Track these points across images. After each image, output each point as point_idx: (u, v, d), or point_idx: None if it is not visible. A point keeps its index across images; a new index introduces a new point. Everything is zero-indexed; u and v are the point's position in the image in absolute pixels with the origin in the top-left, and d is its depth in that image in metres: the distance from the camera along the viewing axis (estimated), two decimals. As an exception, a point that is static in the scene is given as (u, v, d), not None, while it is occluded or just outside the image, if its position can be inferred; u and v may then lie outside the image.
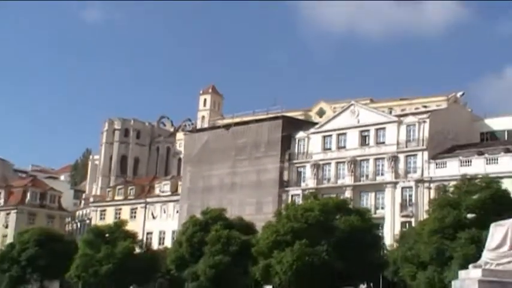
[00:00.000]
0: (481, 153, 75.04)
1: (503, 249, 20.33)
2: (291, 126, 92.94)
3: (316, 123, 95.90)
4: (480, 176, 58.81)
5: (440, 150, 79.34)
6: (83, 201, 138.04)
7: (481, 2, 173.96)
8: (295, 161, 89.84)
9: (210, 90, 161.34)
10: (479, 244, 22.03)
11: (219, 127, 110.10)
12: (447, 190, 59.87)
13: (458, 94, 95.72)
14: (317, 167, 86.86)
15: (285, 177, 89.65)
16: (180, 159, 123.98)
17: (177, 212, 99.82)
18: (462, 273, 21.77)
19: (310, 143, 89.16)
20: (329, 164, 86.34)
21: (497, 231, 20.90)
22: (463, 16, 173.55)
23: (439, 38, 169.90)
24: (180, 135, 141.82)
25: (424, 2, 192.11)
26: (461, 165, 72.90)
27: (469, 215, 51.37)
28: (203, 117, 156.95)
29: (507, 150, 73.81)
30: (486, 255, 20.79)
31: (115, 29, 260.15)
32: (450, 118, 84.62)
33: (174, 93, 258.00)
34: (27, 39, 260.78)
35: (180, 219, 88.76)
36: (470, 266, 21.38)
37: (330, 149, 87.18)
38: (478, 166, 70.59)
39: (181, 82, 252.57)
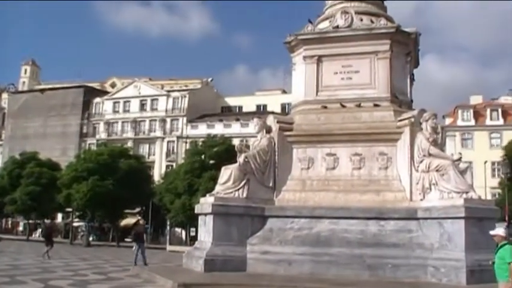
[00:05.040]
0: (221, 120, 77.42)
1: (228, 184, 21.06)
2: (91, 93, 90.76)
3: (109, 92, 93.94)
4: (219, 136, 60.72)
5: (195, 117, 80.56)
6: None
7: (223, 21, 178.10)
8: (92, 119, 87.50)
9: (30, 63, 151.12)
10: (216, 181, 22.73)
11: (36, 91, 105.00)
12: (197, 144, 61.17)
13: (209, 79, 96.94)
14: (108, 124, 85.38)
15: (84, 131, 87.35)
16: (4, 114, 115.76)
17: (1, 153, 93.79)
18: (202, 200, 22.21)
19: (104, 107, 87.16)
20: (117, 122, 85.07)
21: (225, 172, 21.39)
22: (214, 28, 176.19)
23: (198, 39, 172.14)
24: (4, 95, 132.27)
25: (188, 15, 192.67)
26: (207, 128, 74.63)
27: (211, 161, 53.17)
28: (24, 82, 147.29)
29: (237, 119, 76.58)
30: (218, 188, 21.18)
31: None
32: (202, 95, 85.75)
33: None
34: None
35: (3, 159, 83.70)
36: (208, 194, 21.80)
37: (118, 111, 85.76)
38: (218, 129, 72.34)
39: (6, 54, 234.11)
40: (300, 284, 16.61)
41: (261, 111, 74.52)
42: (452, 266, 17.49)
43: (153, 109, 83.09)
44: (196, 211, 22.02)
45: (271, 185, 21.75)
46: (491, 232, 11.55)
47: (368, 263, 18.50)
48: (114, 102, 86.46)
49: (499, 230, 11.38)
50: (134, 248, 25.47)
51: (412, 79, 25.01)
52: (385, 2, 25.51)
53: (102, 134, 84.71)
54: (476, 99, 72.69)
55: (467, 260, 17.33)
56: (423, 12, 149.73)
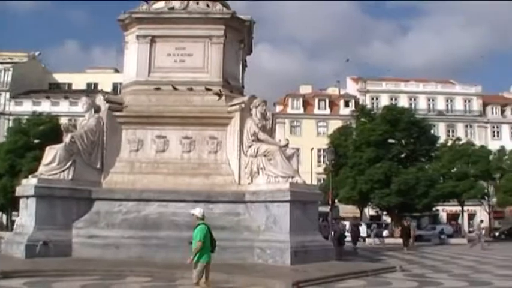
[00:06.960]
0: (48, 97, 74.03)
1: (53, 165, 20.30)
2: None
3: None
4: (46, 113, 57.83)
5: (19, 92, 76.07)
6: None
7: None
8: None
9: None
10: (40, 161, 21.70)
11: None
12: (21, 122, 58.06)
13: (36, 53, 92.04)
14: None
15: None
16: None
17: None
18: (24, 181, 21.39)
19: None
20: None
21: (50, 152, 20.65)
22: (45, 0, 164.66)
23: (27, 10, 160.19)
24: None
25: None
26: (33, 105, 70.65)
27: (36, 141, 50.79)
28: None
29: (66, 97, 73.70)
30: (41, 169, 20.41)
31: None
32: (28, 70, 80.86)
33: None
34: None
35: None
36: (30, 176, 20.99)
37: None
38: (45, 106, 68.84)
39: None
40: (127, 268, 16.48)
41: (92, 90, 72.28)
42: (278, 248, 18.33)
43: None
44: (17, 193, 21.03)
45: (98, 166, 21.33)
46: (191, 211, 11.73)
47: (196, 246, 18.76)
48: None
49: (196, 211, 11.61)
50: None
51: (245, 66, 25.71)
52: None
53: None
54: (305, 89, 76.64)
55: (291, 242, 18.29)
56: (259, 1, 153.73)
